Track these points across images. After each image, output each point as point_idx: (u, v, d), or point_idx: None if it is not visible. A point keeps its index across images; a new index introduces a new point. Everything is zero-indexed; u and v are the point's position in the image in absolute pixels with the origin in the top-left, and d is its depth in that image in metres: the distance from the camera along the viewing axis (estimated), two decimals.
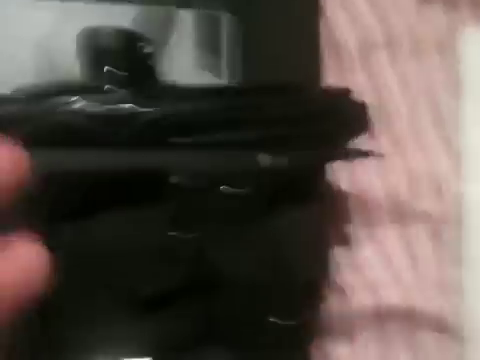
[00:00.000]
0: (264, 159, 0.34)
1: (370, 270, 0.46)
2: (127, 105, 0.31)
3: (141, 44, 0.34)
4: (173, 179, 0.32)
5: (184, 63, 0.38)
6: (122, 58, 0.33)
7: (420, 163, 0.50)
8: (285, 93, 0.35)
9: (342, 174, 0.49)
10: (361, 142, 0.49)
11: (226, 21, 0.40)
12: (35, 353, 0.30)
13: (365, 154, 0.38)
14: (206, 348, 0.39)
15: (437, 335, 0.46)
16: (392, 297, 0.45)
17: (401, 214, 0.48)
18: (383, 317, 0.44)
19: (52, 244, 0.32)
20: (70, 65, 0.35)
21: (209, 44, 0.39)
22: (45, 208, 0.31)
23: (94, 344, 0.33)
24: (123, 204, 0.34)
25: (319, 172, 0.39)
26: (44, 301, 0.30)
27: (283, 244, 0.34)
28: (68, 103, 0.31)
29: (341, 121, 0.35)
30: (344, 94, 0.37)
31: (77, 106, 0.31)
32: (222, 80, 0.39)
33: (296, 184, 0.36)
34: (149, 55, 0.34)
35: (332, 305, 0.43)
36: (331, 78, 0.51)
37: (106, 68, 0.32)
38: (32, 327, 0.30)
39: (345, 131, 0.36)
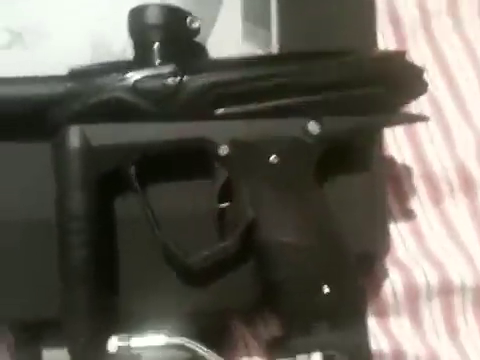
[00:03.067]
0: (314, 126, 0.33)
1: (435, 243, 0.44)
2: (176, 78, 0.32)
3: (188, 20, 0.34)
4: (222, 150, 0.33)
5: (233, 37, 0.38)
6: (170, 34, 0.34)
7: None
8: (336, 58, 0.34)
9: (406, 144, 0.47)
10: (422, 108, 0.47)
11: None
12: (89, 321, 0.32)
13: (422, 118, 0.36)
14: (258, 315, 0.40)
15: None
16: (459, 271, 0.42)
17: (469, 186, 0.45)
18: (449, 292, 0.42)
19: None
20: (122, 43, 0.37)
21: (258, 17, 0.39)
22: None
23: (145, 310, 0.34)
24: (174, 175, 0.35)
25: (374, 138, 0.37)
26: (96, 269, 0.32)
27: (333, 213, 0.33)
28: (120, 80, 0.32)
29: (395, 84, 0.34)
30: (398, 57, 0.35)
31: (128, 82, 0.32)
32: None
33: (349, 151, 0.35)
34: (196, 30, 0.35)
35: (394, 279, 0.42)
36: (391, 46, 0.49)
37: (156, 44, 0.33)
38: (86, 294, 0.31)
39: (400, 94, 0.34)
